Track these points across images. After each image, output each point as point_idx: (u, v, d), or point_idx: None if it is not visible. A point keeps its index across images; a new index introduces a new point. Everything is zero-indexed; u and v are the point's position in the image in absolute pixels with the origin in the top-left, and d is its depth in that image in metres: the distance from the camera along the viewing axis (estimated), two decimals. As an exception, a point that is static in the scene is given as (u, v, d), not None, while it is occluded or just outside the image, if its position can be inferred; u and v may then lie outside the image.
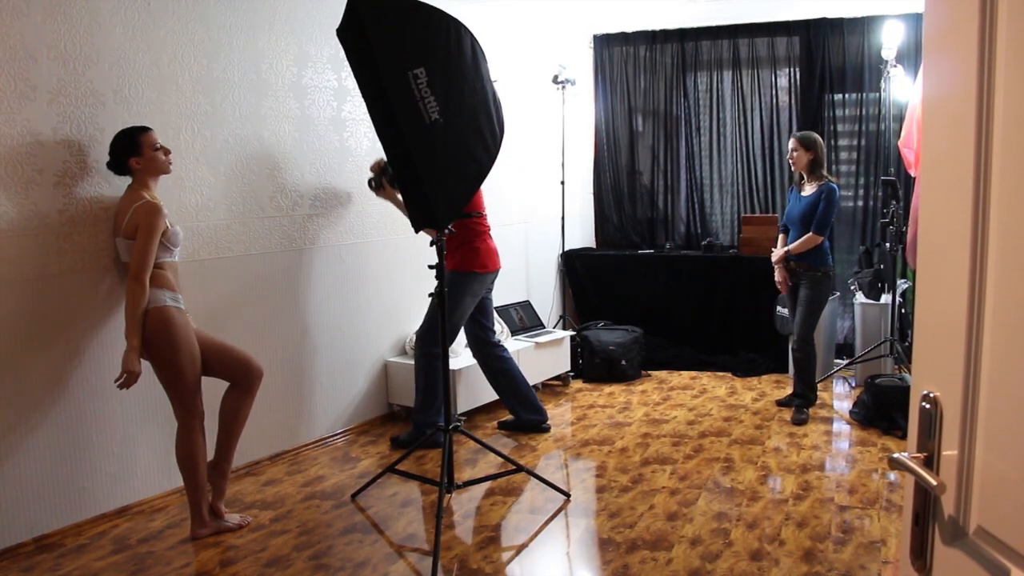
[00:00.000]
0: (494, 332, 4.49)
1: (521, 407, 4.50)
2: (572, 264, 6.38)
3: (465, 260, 4.17)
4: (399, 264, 4.80)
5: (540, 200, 6.05)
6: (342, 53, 3.26)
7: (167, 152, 3.19)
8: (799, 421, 4.61)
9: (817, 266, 4.61)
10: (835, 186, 4.55)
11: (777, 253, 4.77)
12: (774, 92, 6.21)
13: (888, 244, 5.00)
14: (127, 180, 3.18)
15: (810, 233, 4.53)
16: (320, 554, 3.09)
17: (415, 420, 4.24)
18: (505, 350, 4.51)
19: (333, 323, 4.42)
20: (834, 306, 5.69)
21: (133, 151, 3.10)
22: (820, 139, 4.66)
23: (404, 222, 3.68)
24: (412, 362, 4.67)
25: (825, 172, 4.60)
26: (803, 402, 4.74)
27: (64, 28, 3.15)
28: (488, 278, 4.28)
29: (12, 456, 3.08)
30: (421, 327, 4.25)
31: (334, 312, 4.42)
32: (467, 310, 4.24)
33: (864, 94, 5.93)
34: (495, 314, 4.69)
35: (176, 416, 3.17)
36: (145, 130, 3.15)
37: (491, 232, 4.32)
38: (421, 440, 3.96)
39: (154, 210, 3.05)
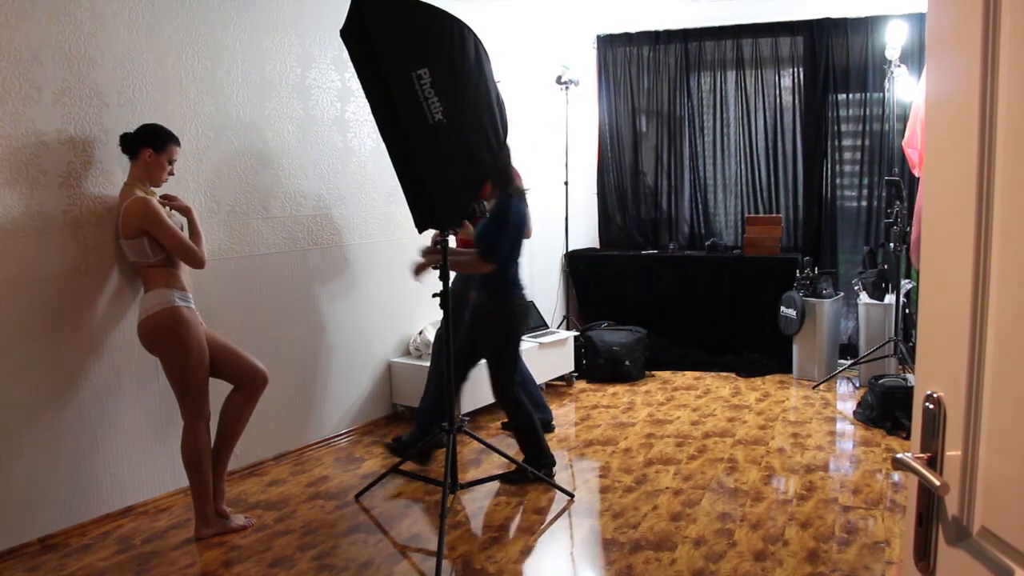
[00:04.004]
0: None
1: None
2: (576, 264, 6.38)
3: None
4: (403, 265, 4.79)
5: (544, 200, 6.04)
6: (346, 54, 3.27)
7: (172, 173, 3.22)
8: (510, 480, 3.74)
9: (497, 299, 3.62)
10: (517, 203, 3.54)
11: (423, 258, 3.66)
12: (778, 92, 6.20)
13: (892, 244, 4.99)
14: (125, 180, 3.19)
15: (474, 253, 3.54)
16: (324, 554, 3.10)
17: (421, 421, 4.23)
18: None
19: (337, 324, 4.42)
20: (838, 306, 5.69)
21: (155, 145, 3.11)
22: (508, 148, 3.49)
23: (407, 223, 3.68)
24: (415, 363, 4.69)
25: (517, 187, 3.59)
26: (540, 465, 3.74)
27: (68, 30, 3.16)
28: None
29: (18, 456, 3.08)
30: (441, 328, 4.26)
31: (338, 313, 4.43)
32: None
33: (868, 94, 5.92)
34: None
35: (183, 416, 3.18)
36: (177, 141, 3.21)
37: None
38: (424, 441, 3.96)
39: (143, 204, 3.05)
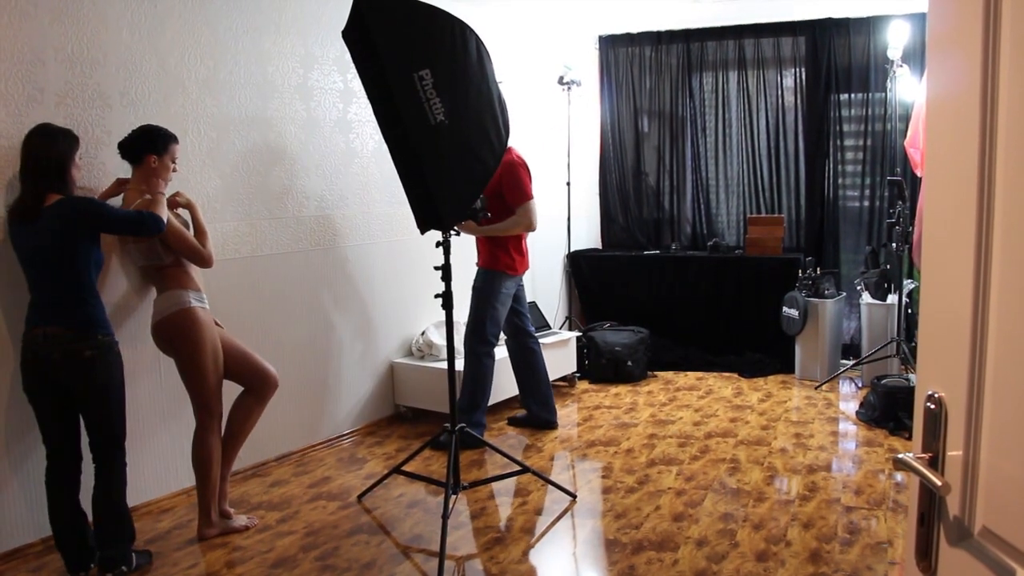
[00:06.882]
0: (530, 320, 4.56)
1: (535, 401, 4.54)
2: (578, 265, 6.38)
3: (495, 259, 4.23)
4: (405, 265, 4.81)
5: (546, 201, 6.04)
6: (348, 55, 3.27)
7: (175, 169, 3.22)
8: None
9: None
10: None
11: None
12: (780, 92, 6.20)
13: (894, 244, 4.99)
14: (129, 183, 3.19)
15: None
16: (326, 555, 3.10)
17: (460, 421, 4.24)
18: (537, 343, 4.57)
19: (339, 324, 4.43)
20: (840, 306, 5.68)
21: (158, 150, 3.10)
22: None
23: (409, 223, 3.70)
24: (418, 363, 4.69)
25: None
26: None
27: (71, 31, 3.16)
28: (516, 280, 4.36)
29: (20, 458, 3.09)
30: (467, 326, 4.29)
31: (340, 313, 4.43)
32: (505, 305, 4.30)
33: (870, 94, 5.91)
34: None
35: (196, 416, 3.19)
36: (175, 139, 3.18)
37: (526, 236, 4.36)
38: (430, 440, 3.96)
39: (148, 207, 3.05)
